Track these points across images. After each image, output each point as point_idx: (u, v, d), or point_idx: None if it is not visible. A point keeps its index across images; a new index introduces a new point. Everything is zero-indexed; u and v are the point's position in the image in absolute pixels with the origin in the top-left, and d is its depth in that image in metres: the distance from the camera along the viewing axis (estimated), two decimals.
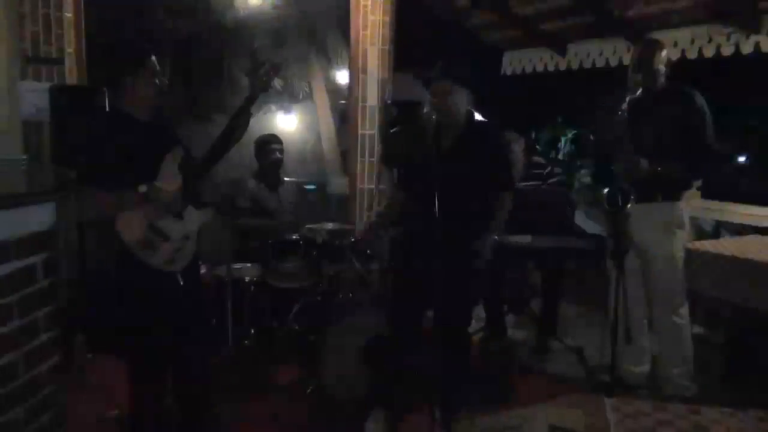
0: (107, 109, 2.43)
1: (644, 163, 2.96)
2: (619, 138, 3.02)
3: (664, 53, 3.06)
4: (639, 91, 3.00)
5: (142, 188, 2.27)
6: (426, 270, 2.62)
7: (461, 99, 2.71)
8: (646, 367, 3.34)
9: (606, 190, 2.99)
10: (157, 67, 2.38)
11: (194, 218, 2.45)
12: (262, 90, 2.55)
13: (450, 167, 2.50)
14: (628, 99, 3.00)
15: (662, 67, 3.04)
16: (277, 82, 8.45)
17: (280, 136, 4.22)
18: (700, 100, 3.00)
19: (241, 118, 2.49)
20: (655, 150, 3.00)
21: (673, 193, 3.08)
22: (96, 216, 2.37)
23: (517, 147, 4.11)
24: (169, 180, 2.37)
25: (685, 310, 3.12)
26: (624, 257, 3.02)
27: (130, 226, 2.29)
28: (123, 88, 2.35)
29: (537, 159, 4.25)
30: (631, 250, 3.08)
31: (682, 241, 3.15)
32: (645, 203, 3.06)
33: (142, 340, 2.45)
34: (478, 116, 2.90)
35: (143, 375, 2.50)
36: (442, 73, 2.69)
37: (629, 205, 2.90)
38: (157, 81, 2.36)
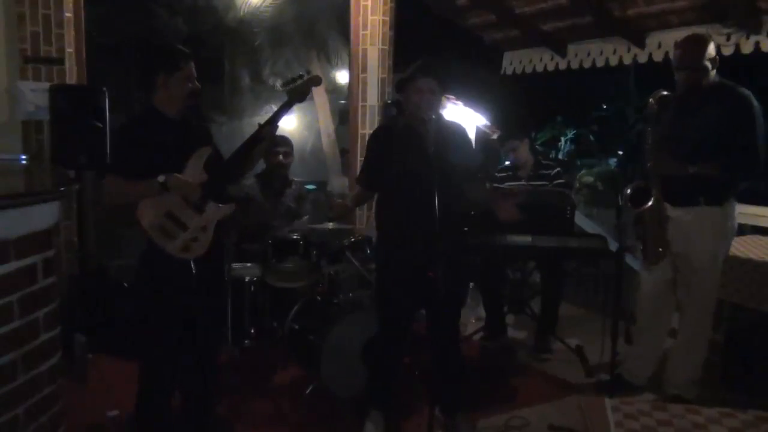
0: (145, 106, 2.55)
1: (672, 159, 2.83)
2: (650, 134, 2.90)
3: (710, 48, 2.85)
4: (681, 89, 2.85)
5: (161, 177, 2.36)
6: (414, 267, 2.62)
7: (441, 98, 2.72)
8: (650, 371, 3.31)
9: (628, 188, 2.91)
10: (193, 72, 2.49)
11: (214, 212, 2.50)
12: (298, 100, 2.61)
13: (435, 164, 2.49)
14: (661, 95, 2.85)
15: (708, 63, 2.84)
16: (278, 83, 8.46)
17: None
18: (751, 100, 2.82)
19: (272, 126, 2.55)
20: (696, 149, 2.83)
21: (715, 197, 2.89)
22: (118, 202, 2.45)
23: (523, 148, 4.13)
24: (193, 175, 2.45)
25: (711, 320, 3.06)
26: (623, 257, 3.02)
27: (149, 213, 2.39)
28: (156, 87, 2.46)
29: (544, 160, 4.25)
30: (667, 254, 2.98)
31: (725, 249, 3.02)
32: (686, 207, 2.92)
33: (153, 329, 2.51)
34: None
35: (152, 365, 2.54)
36: (427, 71, 2.66)
37: (650, 203, 2.83)
38: (190, 85, 2.47)
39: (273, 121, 2.56)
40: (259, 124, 2.56)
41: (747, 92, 2.85)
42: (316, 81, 2.63)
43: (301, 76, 2.61)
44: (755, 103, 2.83)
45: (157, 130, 2.45)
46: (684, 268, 3.02)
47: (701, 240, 2.93)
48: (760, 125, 2.81)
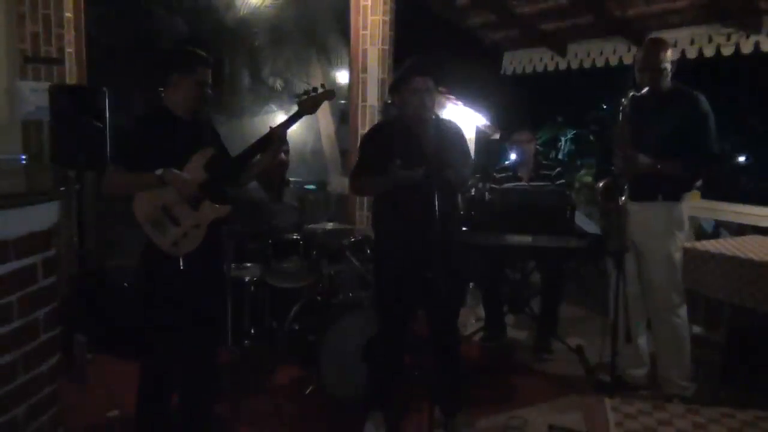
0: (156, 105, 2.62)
1: (642, 157, 2.98)
2: (619, 133, 3.02)
3: (669, 52, 3.06)
4: (645, 90, 2.99)
5: (159, 171, 2.39)
6: (413, 267, 2.61)
7: (436, 95, 2.71)
8: (645, 367, 3.34)
9: (600, 184, 3.06)
10: (207, 78, 2.53)
11: (209, 211, 2.51)
12: (308, 112, 2.65)
13: (434, 164, 2.48)
14: (631, 95, 2.98)
15: (668, 66, 3.04)
16: (278, 83, 8.46)
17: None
18: (705, 104, 3.02)
19: (282, 129, 2.59)
20: (657, 148, 3.00)
21: (673, 193, 3.08)
22: (116, 193, 2.50)
23: (532, 146, 4.14)
24: (192, 174, 2.47)
25: (683, 311, 3.12)
26: (623, 256, 3.03)
27: (143, 205, 2.43)
28: (169, 86, 2.50)
29: (545, 160, 4.25)
30: (629, 249, 3.09)
31: (681, 242, 3.14)
32: (645, 202, 3.07)
33: (148, 324, 2.53)
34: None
35: (151, 364, 2.55)
36: (422, 70, 2.65)
37: (623, 198, 2.93)
38: (201, 90, 2.51)
39: (284, 126, 2.60)
40: (271, 127, 2.60)
41: (700, 96, 3.04)
42: (330, 95, 2.66)
43: (315, 89, 2.64)
44: (708, 107, 3.03)
45: (166, 129, 2.48)
46: (645, 262, 3.14)
47: (661, 233, 3.08)
48: (713, 124, 3.01)
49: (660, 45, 3.11)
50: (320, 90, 2.64)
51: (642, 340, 3.32)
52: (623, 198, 2.95)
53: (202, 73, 2.51)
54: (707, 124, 3.00)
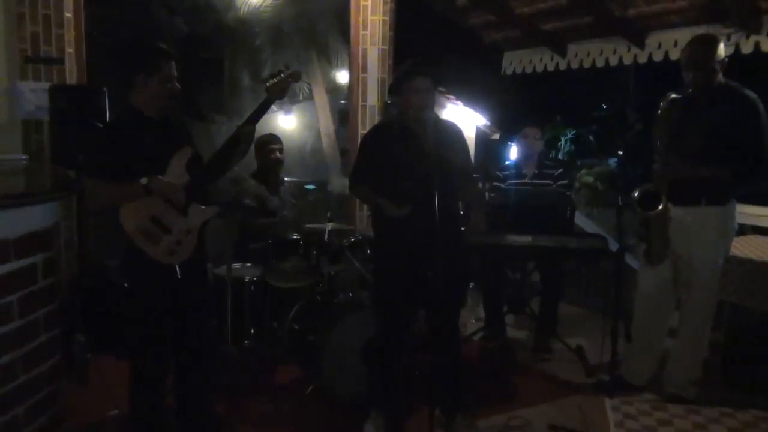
0: (121, 106, 2.49)
1: (682, 164, 2.82)
2: (659, 137, 2.87)
3: (720, 49, 2.82)
4: (689, 91, 2.83)
5: (144, 180, 2.30)
6: (413, 268, 2.61)
7: (435, 96, 2.70)
8: (651, 369, 3.30)
9: (637, 192, 2.87)
10: (173, 72, 2.42)
11: (198, 214, 2.46)
12: (278, 96, 2.56)
13: (435, 164, 2.48)
14: (671, 98, 2.83)
15: (717, 64, 2.82)
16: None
17: (281, 136, 4.21)
18: (757, 102, 2.81)
19: (250, 125, 2.50)
20: (703, 151, 2.82)
21: (718, 197, 2.89)
22: (100, 206, 2.41)
23: (539, 144, 4.13)
24: (175, 177, 2.41)
25: (711, 320, 3.05)
26: (624, 256, 3.02)
27: (132, 217, 2.33)
28: (136, 86, 2.39)
29: (547, 160, 4.25)
30: (667, 254, 2.98)
31: (726, 249, 3.02)
32: (688, 207, 2.92)
33: (142, 333, 2.46)
34: None
35: (143, 370, 2.50)
36: (422, 70, 2.64)
37: (660, 207, 2.80)
38: (169, 85, 2.40)
39: (252, 120, 2.50)
40: (238, 126, 2.51)
41: (753, 95, 2.83)
42: (296, 77, 2.56)
43: (280, 72, 2.56)
44: (761, 106, 2.81)
45: (137, 130, 2.38)
46: (685, 268, 3.01)
47: (702, 240, 2.93)
48: (767, 128, 2.80)
49: (709, 42, 2.84)
50: (285, 72, 2.55)
51: (655, 346, 3.23)
52: (661, 206, 2.79)
53: (167, 68, 2.39)
54: (760, 125, 2.77)
